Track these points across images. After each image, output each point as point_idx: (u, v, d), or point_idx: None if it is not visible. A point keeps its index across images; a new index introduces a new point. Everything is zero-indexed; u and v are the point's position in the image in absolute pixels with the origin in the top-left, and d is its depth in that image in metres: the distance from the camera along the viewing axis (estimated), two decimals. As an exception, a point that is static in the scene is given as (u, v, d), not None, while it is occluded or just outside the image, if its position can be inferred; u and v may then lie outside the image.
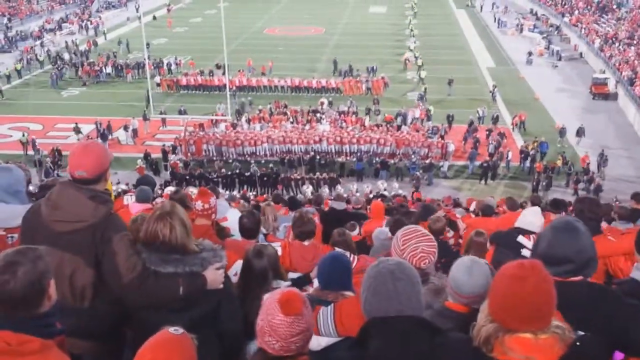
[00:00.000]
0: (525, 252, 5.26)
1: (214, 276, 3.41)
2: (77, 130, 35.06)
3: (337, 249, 5.25)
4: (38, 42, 55.72)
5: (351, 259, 5.12)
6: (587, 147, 33.12)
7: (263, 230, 7.23)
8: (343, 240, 5.51)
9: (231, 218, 6.63)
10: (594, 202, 5.82)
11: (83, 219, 3.34)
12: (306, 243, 5.41)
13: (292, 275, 4.94)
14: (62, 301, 3.34)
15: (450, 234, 9.91)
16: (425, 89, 40.26)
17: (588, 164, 30.28)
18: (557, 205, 10.28)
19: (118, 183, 24.22)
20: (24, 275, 2.42)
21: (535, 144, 31.93)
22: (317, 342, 3.36)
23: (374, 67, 45.02)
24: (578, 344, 2.29)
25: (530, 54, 49.67)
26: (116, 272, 3.27)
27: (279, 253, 5.07)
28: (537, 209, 6.30)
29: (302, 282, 4.28)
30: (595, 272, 3.00)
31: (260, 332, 2.52)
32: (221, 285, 3.46)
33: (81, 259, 3.33)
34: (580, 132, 33.91)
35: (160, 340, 2.41)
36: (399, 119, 36.11)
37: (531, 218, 5.91)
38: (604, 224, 7.26)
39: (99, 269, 3.35)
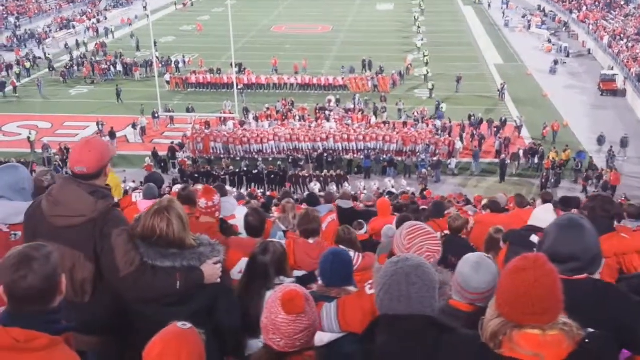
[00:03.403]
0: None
1: (211, 271, 3.43)
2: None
3: (341, 246, 5.25)
4: (43, 43, 55.94)
5: (355, 257, 5.13)
6: (596, 143, 32.95)
7: (282, 227, 7.25)
8: (348, 239, 5.50)
9: (239, 216, 6.63)
10: (607, 199, 5.73)
11: (83, 214, 3.36)
12: (311, 241, 5.40)
13: (297, 273, 4.96)
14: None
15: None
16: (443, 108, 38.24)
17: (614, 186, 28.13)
18: (566, 203, 10.16)
19: (124, 181, 24.34)
20: (40, 269, 2.44)
21: (568, 153, 30.96)
22: (320, 338, 3.36)
23: (401, 72, 44.61)
24: (587, 341, 2.27)
25: (555, 62, 47.32)
26: (114, 267, 3.30)
27: None
28: (549, 206, 6.25)
29: (307, 280, 4.26)
30: (600, 269, 2.96)
31: (265, 330, 2.55)
32: (219, 280, 3.48)
33: (81, 253, 3.35)
34: (624, 143, 32.08)
35: (170, 334, 2.45)
36: (404, 116, 36.29)
37: (543, 215, 5.91)
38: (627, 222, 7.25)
39: (98, 263, 3.38)
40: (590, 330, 2.35)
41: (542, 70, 46.73)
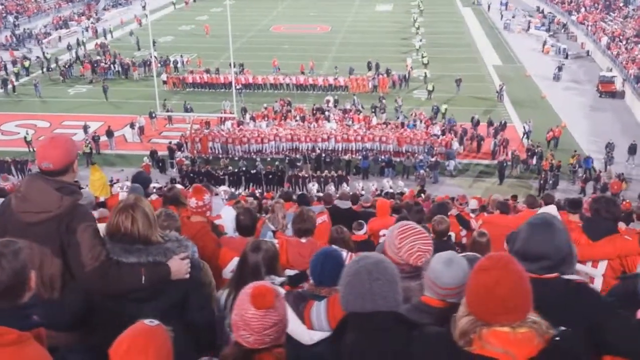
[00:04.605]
0: None
1: (178, 266, 3.44)
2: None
3: (333, 246, 5.24)
4: (42, 43, 55.84)
5: (348, 257, 5.10)
6: (594, 145, 32.98)
7: (272, 227, 7.24)
8: (340, 238, 5.51)
9: (225, 216, 6.63)
10: (611, 201, 5.75)
11: (49, 210, 3.39)
12: (304, 240, 5.41)
13: (289, 272, 4.95)
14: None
15: (463, 232, 9.89)
16: (446, 110, 37.72)
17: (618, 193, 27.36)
18: (573, 205, 10.13)
19: (127, 180, 24.31)
20: (8, 265, 2.45)
21: (575, 159, 30.60)
22: (310, 337, 3.39)
23: (405, 76, 44.24)
24: (557, 339, 2.29)
25: (559, 69, 46.16)
26: (79, 262, 3.32)
27: None
28: (552, 207, 6.26)
29: (298, 279, 4.26)
30: (571, 269, 2.96)
31: (235, 326, 2.56)
32: (187, 275, 3.49)
33: (48, 249, 3.39)
34: (632, 150, 31.56)
35: (137, 331, 2.44)
36: (401, 116, 36.36)
37: None
38: (621, 225, 7.24)
39: (65, 259, 3.40)
40: (562, 328, 2.37)
41: (545, 76, 46.06)
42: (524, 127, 35.05)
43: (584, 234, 5.49)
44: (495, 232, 7.03)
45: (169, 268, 3.42)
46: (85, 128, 35.14)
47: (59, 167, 3.52)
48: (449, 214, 10.51)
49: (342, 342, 2.55)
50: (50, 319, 3.28)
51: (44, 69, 47.61)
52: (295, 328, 3.29)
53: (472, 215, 12.19)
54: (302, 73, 44.71)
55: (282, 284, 4.07)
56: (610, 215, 5.46)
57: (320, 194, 20.82)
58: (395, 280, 2.58)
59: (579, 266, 5.15)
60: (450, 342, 2.37)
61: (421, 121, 35.34)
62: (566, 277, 2.93)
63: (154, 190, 10.95)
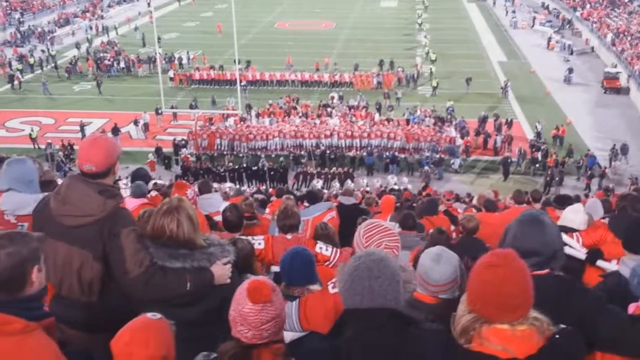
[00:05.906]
0: (568, 250, 5.25)
1: (221, 271, 3.40)
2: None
3: (319, 242, 5.23)
4: (47, 40, 55.86)
5: (333, 252, 5.13)
6: (599, 142, 32.94)
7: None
8: (325, 234, 5.47)
9: (224, 212, 6.64)
10: (637, 198, 5.75)
11: (91, 213, 3.34)
12: (289, 236, 5.36)
13: (275, 268, 4.94)
14: (69, 294, 3.36)
15: (452, 228, 9.93)
16: (451, 111, 36.94)
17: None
18: (562, 201, 10.16)
19: (128, 177, 24.36)
20: (7, 258, 2.43)
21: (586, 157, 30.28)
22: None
23: (414, 75, 43.68)
24: (557, 336, 2.28)
25: (570, 70, 44.25)
26: (123, 267, 3.27)
27: (261, 246, 5.09)
28: (578, 206, 6.28)
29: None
30: (560, 265, 2.98)
31: (233, 322, 2.57)
32: (228, 281, 3.44)
33: (89, 253, 3.33)
34: None
35: (139, 324, 2.48)
36: (406, 113, 36.32)
37: (571, 216, 5.93)
38: None
39: (107, 263, 3.35)
40: (562, 326, 2.36)
41: (549, 72, 45.50)
42: (536, 127, 34.33)
43: (611, 231, 5.49)
44: (482, 230, 7.00)
45: (213, 274, 3.37)
46: (82, 127, 34.50)
47: (102, 169, 3.44)
48: (437, 210, 10.58)
49: (340, 337, 2.55)
50: (89, 322, 3.30)
51: (47, 66, 47.44)
52: None
53: (459, 211, 12.29)
54: (317, 70, 44.58)
55: None
56: (637, 212, 5.46)
57: (325, 191, 20.85)
58: (396, 279, 2.57)
59: (604, 264, 5.18)
60: (447, 339, 2.38)
61: (429, 116, 35.24)
62: (557, 273, 2.94)
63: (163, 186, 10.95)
